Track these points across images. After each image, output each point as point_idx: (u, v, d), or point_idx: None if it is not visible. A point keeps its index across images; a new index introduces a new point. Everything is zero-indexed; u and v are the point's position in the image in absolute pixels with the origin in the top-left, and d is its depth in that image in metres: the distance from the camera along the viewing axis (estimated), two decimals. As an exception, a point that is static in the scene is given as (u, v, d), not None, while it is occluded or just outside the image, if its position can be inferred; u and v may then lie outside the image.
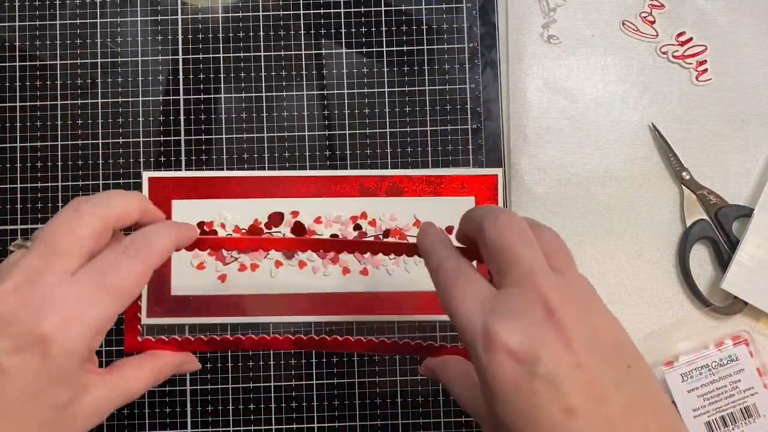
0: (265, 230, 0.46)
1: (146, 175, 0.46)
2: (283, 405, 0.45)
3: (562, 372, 0.24)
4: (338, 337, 0.36)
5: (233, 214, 0.46)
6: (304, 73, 0.47)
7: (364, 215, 0.46)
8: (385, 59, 0.47)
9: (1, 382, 0.25)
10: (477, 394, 0.28)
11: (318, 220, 0.46)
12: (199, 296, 0.45)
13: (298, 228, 0.46)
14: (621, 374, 0.25)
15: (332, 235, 0.46)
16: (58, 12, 0.47)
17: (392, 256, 0.46)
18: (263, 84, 0.47)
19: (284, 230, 0.46)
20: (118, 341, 0.45)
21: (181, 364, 0.35)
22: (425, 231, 0.32)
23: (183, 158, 0.47)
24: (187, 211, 0.46)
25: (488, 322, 0.25)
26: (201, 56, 0.47)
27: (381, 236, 0.46)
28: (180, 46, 0.47)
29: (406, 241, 0.43)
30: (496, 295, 0.27)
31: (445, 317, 0.45)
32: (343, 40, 0.47)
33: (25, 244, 0.28)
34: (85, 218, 0.29)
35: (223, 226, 0.46)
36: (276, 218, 0.46)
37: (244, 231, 0.46)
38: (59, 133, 0.47)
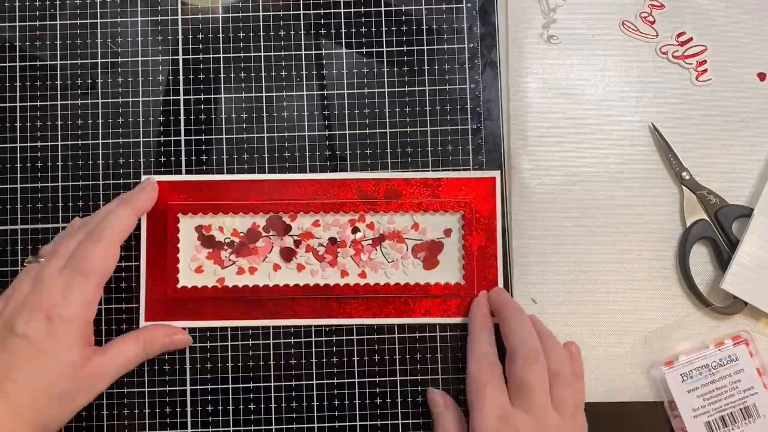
0: (263, 233, 0.46)
1: (145, 178, 0.46)
2: (283, 405, 0.45)
3: None
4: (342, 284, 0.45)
5: (231, 218, 0.46)
6: (304, 73, 0.47)
7: (362, 218, 0.46)
8: (385, 59, 0.47)
9: (21, 342, 0.38)
10: None
11: (316, 224, 0.46)
12: (198, 300, 0.45)
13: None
14: None
15: (330, 239, 0.46)
16: (58, 12, 0.47)
17: (391, 258, 0.46)
18: (263, 84, 0.47)
19: (282, 234, 0.46)
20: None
21: (172, 341, 0.44)
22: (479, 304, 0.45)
23: (183, 158, 0.47)
24: (185, 216, 0.45)
25: None
26: (201, 56, 0.47)
27: (378, 240, 0.46)
28: (180, 46, 0.47)
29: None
30: (510, 414, 0.39)
31: (443, 320, 0.45)
32: (343, 40, 0.47)
33: (37, 260, 0.42)
34: (76, 237, 0.41)
35: (221, 229, 0.46)
36: (274, 222, 0.46)
37: (242, 234, 0.46)
38: (59, 133, 0.47)
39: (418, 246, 0.46)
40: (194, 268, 0.46)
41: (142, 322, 0.45)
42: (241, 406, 0.45)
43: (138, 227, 0.45)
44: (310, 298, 0.45)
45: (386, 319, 0.45)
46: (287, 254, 0.46)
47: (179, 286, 0.45)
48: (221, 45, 0.47)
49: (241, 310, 0.45)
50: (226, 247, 0.46)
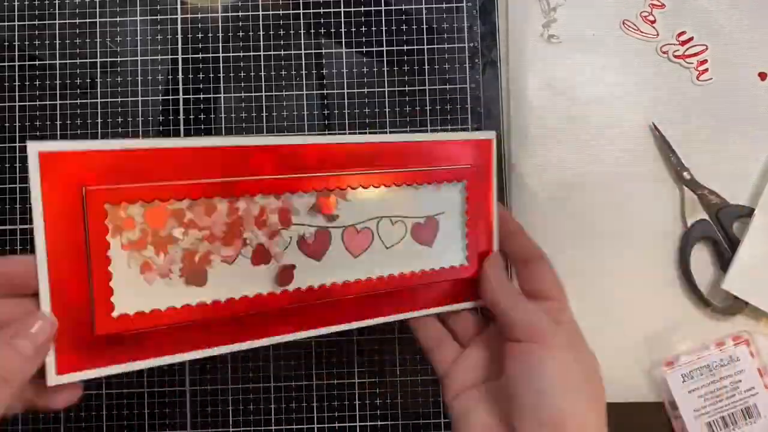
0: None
1: (34, 147, 0.28)
2: (283, 405, 0.45)
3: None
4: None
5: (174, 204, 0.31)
6: (304, 73, 0.47)
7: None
8: (385, 59, 0.47)
9: None
10: None
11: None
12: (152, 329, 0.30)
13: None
14: None
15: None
16: (57, 12, 0.47)
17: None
18: (263, 84, 0.47)
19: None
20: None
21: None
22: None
23: (183, 158, 0.47)
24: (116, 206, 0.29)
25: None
26: (201, 56, 0.47)
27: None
28: (180, 46, 0.47)
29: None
30: None
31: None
32: (343, 40, 0.47)
33: None
34: None
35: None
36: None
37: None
38: (59, 133, 0.47)
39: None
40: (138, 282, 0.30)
41: (54, 378, 0.29)
42: (241, 407, 0.45)
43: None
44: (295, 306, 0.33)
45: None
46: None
47: (115, 315, 0.29)
48: (221, 45, 0.47)
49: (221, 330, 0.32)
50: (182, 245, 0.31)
